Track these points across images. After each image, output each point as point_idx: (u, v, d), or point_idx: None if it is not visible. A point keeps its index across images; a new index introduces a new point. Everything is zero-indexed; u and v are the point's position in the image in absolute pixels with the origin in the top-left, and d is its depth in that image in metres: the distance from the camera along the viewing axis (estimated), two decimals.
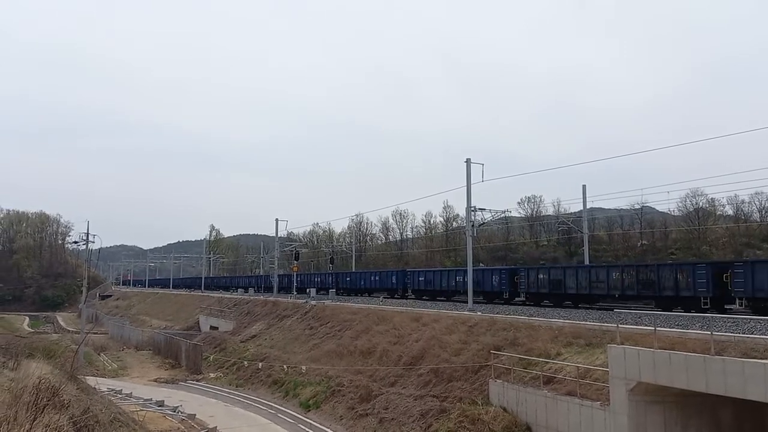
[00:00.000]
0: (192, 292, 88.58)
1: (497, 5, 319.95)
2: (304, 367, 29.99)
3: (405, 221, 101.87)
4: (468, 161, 31.43)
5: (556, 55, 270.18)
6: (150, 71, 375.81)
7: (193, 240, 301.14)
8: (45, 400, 8.87)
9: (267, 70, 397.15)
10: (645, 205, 71.61)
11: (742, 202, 69.44)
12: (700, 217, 71.08)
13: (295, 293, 56.87)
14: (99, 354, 46.35)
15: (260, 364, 33.55)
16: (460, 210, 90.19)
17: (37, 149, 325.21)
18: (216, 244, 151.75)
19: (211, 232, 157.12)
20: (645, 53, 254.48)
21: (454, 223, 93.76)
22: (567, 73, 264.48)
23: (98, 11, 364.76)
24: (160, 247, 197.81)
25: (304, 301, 46.41)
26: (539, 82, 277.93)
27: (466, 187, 31.49)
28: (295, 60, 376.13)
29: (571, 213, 65.12)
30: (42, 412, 8.42)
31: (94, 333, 61.08)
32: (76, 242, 46.68)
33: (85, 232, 41.80)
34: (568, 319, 23.05)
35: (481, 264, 76.46)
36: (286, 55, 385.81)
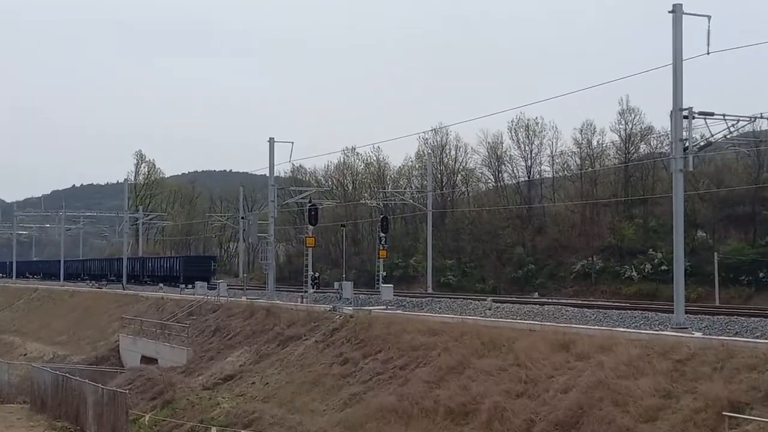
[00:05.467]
0: (104, 289, 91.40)
1: None
2: None
3: (538, 141, 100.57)
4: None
5: None
6: None
7: (103, 183, 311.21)
8: None
9: None
10: None
11: None
12: None
13: (311, 289, 57.84)
14: None
15: None
16: (653, 117, 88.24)
17: None
18: (149, 189, 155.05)
19: (137, 165, 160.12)
20: None
21: (642, 147, 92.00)
22: None
23: None
24: (38, 198, 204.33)
25: (330, 307, 47.02)
26: None
27: (672, 65, 30.80)
28: None
29: None
30: None
31: None
32: None
33: None
34: None
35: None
36: None
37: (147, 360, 55.99)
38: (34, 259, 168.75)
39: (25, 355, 70.62)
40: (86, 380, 44.75)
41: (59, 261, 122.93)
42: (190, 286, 77.36)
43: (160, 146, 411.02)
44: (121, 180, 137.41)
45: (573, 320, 38.18)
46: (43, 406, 47.74)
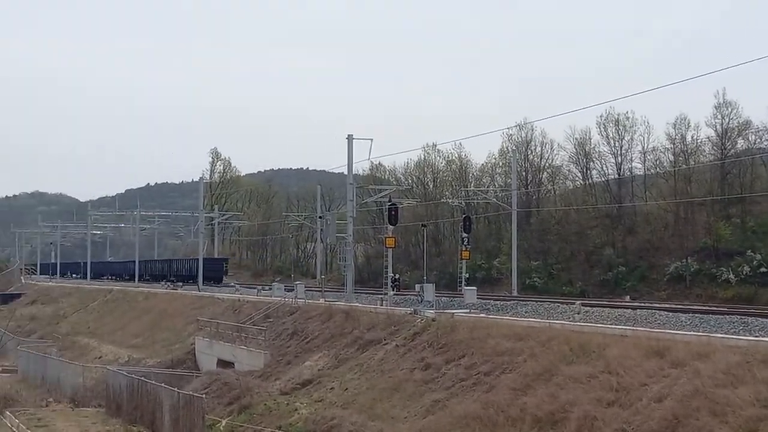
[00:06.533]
0: (178, 290, 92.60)
1: None
2: None
3: (628, 137, 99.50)
4: None
5: None
6: None
7: (178, 182, 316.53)
8: None
9: None
10: None
11: None
12: None
13: (391, 291, 57.89)
14: (2, 412, 49.66)
15: None
16: (751, 111, 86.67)
17: None
18: (224, 187, 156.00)
19: (213, 163, 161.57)
20: None
21: (740, 143, 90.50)
22: None
23: None
24: (111, 198, 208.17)
25: (411, 310, 47.03)
26: None
27: None
28: None
29: None
30: None
31: None
32: None
33: None
34: None
35: None
36: None
37: (223, 363, 56.60)
38: (109, 259, 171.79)
39: (100, 357, 71.83)
40: (162, 384, 45.51)
41: (125, 262, 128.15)
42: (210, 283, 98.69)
43: (236, 143, 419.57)
44: (196, 178, 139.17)
45: (667, 325, 37.68)
46: (118, 410, 48.57)
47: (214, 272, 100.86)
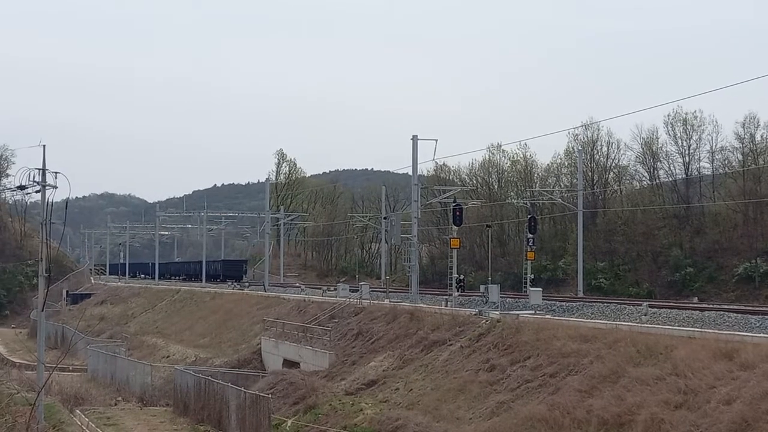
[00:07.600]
0: (246, 290, 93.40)
1: None
2: None
3: (696, 136, 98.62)
4: None
5: None
6: None
7: (244, 183, 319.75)
8: None
9: None
10: None
11: None
12: None
13: (456, 292, 57.76)
14: (72, 410, 50.49)
15: None
16: None
17: None
18: (290, 188, 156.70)
19: (278, 164, 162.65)
20: None
21: None
22: None
23: None
24: (178, 199, 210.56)
25: (476, 311, 46.93)
26: None
27: None
28: None
29: None
30: None
31: (63, 368, 66.56)
32: (22, 187, 48.84)
33: (39, 167, 44.29)
34: None
35: None
36: None
37: (289, 363, 56.95)
38: (176, 260, 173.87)
39: (167, 357, 72.70)
40: (228, 384, 46.02)
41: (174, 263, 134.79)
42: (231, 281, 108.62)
43: (301, 145, 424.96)
44: (262, 180, 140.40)
45: (736, 327, 37.30)
46: (185, 409, 49.15)
47: (236, 271, 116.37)
